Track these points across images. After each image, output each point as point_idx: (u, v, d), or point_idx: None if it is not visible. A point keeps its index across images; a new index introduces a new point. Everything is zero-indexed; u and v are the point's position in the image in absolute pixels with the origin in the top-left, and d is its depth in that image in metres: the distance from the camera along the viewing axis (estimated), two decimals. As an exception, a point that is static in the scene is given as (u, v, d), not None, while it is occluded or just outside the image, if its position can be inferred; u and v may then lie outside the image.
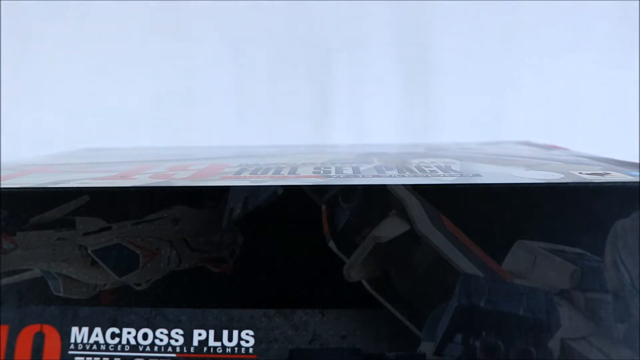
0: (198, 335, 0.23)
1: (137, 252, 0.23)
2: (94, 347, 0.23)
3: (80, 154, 0.43)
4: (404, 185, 0.23)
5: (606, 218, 0.22)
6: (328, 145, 0.53)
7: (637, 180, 0.23)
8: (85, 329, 0.23)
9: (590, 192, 0.22)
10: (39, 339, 0.23)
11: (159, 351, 0.23)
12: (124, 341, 0.23)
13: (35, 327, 0.23)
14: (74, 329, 0.23)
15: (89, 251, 0.24)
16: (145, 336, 0.23)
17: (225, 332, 0.23)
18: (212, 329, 0.23)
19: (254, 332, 0.23)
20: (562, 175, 0.25)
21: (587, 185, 0.23)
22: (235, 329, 0.23)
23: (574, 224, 0.22)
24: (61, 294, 0.24)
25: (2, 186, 0.24)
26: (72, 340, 0.23)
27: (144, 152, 0.45)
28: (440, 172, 0.27)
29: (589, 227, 0.22)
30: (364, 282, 0.23)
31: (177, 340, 0.23)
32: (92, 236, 0.24)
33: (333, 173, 0.27)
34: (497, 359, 0.22)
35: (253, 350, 0.23)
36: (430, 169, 0.28)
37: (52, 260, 0.24)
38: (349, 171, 0.28)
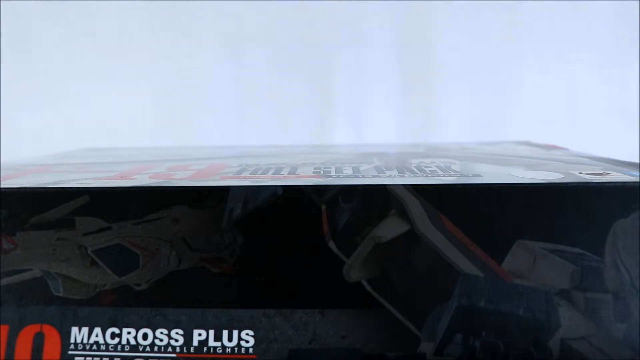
0: (198, 335, 0.23)
1: (137, 252, 0.23)
2: (94, 347, 0.23)
3: (80, 154, 0.43)
4: (404, 185, 0.23)
5: (606, 218, 0.22)
6: (328, 145, 0.53)
7: (637, 180, 0.23)
8: (85, 329, 0.23)
9: (590, 192, 0.22)
10: (39, 339, 0.23)
11: (159, 351, 0.23)
12: (124, 341, 0.23)
13: (35, 327, 0.23)
14: (74, 329, 0.23)
15: (89, 251, 0.24)
16: (145, 336, 0.23)
17: (225, 332, 0.23)
18: (212, 329, 0.23)
19: (254, 332, 0.23)
20: (562, 175, 0.25)
21: (587, 185, 0.23)
22: (235, 329, 0.23)
23: (574, 224, 0.22)
24: (61, 294, 0.24)
25: (2, 186, 0.24)
26: (72, 340, 0.23)
27: (144, 152, 0.45)
28: (440, 172, 0.27)
29: (589, 227, 0.22)
30: (364, 282, 0.23)
31: (177, 340, 0.23)
32: (92, 236, 0.24)
33: (333, 173, 0.27)
34: (497, 359, 0.22)
35: (253, 350, 0.23)
36: (430, 169, 0.28)
37: (52, 260, 0.24)
38: (349, 171, 0.28)
